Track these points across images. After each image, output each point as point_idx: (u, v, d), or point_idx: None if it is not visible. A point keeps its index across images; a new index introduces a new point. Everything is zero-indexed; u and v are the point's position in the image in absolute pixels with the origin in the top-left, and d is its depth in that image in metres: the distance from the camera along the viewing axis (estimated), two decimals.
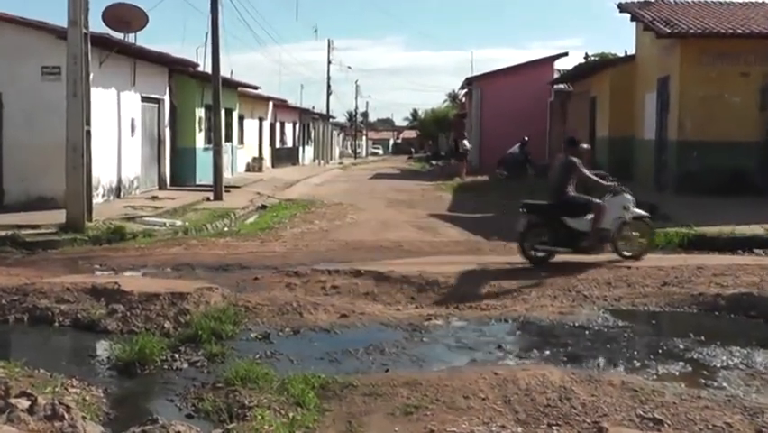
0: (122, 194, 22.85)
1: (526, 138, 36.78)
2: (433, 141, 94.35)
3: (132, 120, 23.90)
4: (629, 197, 12.71)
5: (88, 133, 16.75)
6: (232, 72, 39.41)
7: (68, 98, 16.21)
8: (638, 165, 26.90)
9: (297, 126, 58.46)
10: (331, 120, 78.57)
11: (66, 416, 5.13)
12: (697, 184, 21.54)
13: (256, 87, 39.85)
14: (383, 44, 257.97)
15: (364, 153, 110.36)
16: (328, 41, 77.92)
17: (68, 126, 16.24)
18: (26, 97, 19.26)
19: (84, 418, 5.44)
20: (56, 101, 17.41)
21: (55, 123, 17.58)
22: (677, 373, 7.23)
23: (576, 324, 8.95)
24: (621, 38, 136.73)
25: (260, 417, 5.76)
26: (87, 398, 6.41)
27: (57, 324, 8.98)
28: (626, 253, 12.56)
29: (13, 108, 19.45)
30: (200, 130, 30.35)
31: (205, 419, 6.03)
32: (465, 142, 40.24)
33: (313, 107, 68.14)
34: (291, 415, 5.90)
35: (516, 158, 36.52)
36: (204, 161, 28.65)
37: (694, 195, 20.73)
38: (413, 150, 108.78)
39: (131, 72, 23.58)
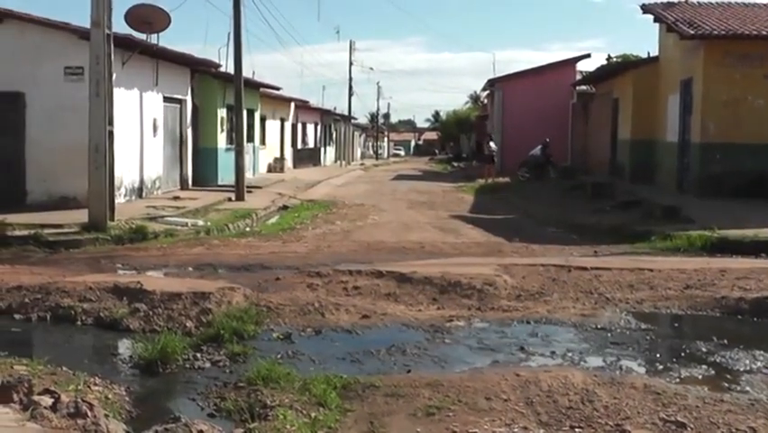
0: (144, 194, 22.95)
1: (548, 140, 36.67)
2: (454, 142, 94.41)
3: (155, 120, 24.00)
4: None
5: (111, 133, 16.83)
6: (254, 73, 39.54)
7: (90, 98, 16.28)
8: (661, 167, 26.76)
9: (319, 127, 58.58)
10: (352, 121, 78.62)
11: (89, 413, 5.14)
12: (720, 187, 21.41)
13: (278, 88, 39.95)
14: (404, 45, 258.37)
15: (386, 155, 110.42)
16: (350, 42, 77.98)
17: (90, 126, 16.31)
18: (49, 98, 19.38)
19: (106, 415, 5.45)
20: (79, 101, 17.45)
21: (78, 123, 17.64)
22: (700, 377, 7.17)
23: (598, 326, 8.91)
24: (644, 39, 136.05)
25: (281, 416, 5.76)
26: (110, 396, 6.42)
27: (79, 322, 9.00)
28: None
29: (36, 108, 19.57)
30: (222, 130, 30.45)
31: (227, 419, 6.04)
32: (492, 144, 40.14)
33: (334, 108, 68.27)
34: (313, 415, 5.90)
35: (537, 160, 36.44)
36: (226, 162, 28.76)
37: (717, 197, 20.62)
38: (436, 151, 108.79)
39: (153, 72, 23.69)
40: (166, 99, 25.06)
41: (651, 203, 20.46)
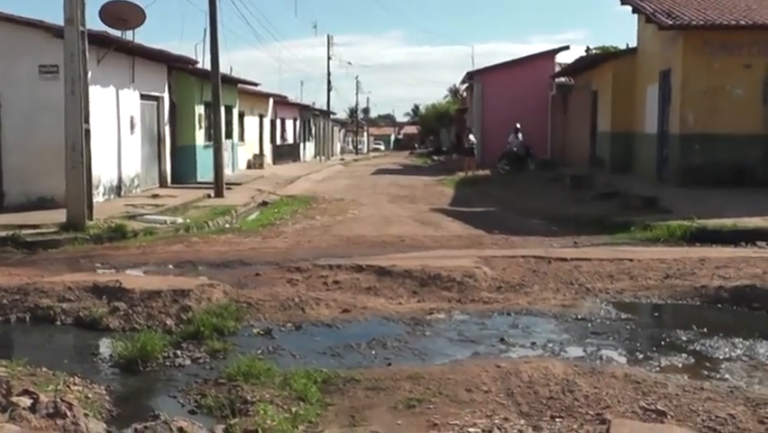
0: (122, 192, 22.84)
1: (519, 125, 36.52)
2: (434, 136, 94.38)
3: (132, 118, 23.87)
4: None
5: (87, 131, 16.69)
6: (231, 69, 39.45)
7: (66, 97, 16.15)
8: (640, 158, 26.86)
9: (298, 123, 58.44)
10: (332, 116, 78.51)
11: (68, 413, 5.11)
12: (699, 177, 21.52)
13: (256, 84, 39.83)
14: (383, 39, 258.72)
15: (365, 149, 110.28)
16: (328, 36, 78.14)
17: (66, 125, 16.17)
18: (24, 97, 19.22)
19: (86, 415, 5.41)
20: (54, 100, 17.34)
21: (54, 122, 17.51)
22: (680, 365, 7.21)
23: (579, 316, 8.93)
24: (623, 31, 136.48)
25: (262, 412, 5.74)
26: (90, 395, 6.39)
27: (59, 322, 8.94)
28: None
29: (10, 108, 19.41)
30: (200, 127, 30.33)
31: (208, 415, 6.02)
32: (471, 137, 40.15)
33: (313, 103, 68.22)
34: (294, 410, 5.89)
35: (517, 152, 36.45)
36: (204, 159, 28.65)
37: (696, 188, 20.72)
38: (416, 145, 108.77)
39: (129, 70, 23.56)
40: (143, 96, 24.92)
41: (630, 194, 20.54)
